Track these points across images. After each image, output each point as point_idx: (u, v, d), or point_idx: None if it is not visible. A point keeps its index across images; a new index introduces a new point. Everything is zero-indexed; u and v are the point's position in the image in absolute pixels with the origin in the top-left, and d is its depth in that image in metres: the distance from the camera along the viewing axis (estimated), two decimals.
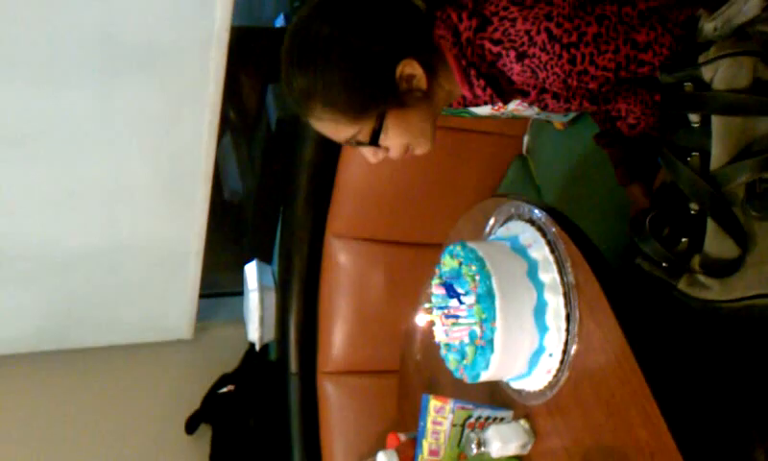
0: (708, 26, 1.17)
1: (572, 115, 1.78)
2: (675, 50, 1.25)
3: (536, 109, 1.66)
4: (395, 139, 1.40)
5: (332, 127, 1.39)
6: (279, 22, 3.21)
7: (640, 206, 1.55)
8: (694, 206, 1.23)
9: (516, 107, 1.63)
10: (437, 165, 2.25)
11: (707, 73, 1.18)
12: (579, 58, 1.24)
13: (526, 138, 2.23)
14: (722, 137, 1.18)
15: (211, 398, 2.57)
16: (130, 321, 2.65)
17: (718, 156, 1.18)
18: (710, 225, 1.22)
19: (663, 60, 1.25)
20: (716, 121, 1.18)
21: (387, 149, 1.42)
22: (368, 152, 1.44)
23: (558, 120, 1.83)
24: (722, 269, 1.22)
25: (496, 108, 1.61)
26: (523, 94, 1.40)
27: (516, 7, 1.29)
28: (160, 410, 2.63)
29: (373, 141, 1.39)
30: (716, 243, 1.22)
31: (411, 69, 1.34)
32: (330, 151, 2.24)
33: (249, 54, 2.88)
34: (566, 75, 1.26)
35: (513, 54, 1.29)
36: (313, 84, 1.33)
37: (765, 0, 1.16)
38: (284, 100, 1.41)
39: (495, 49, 1.31)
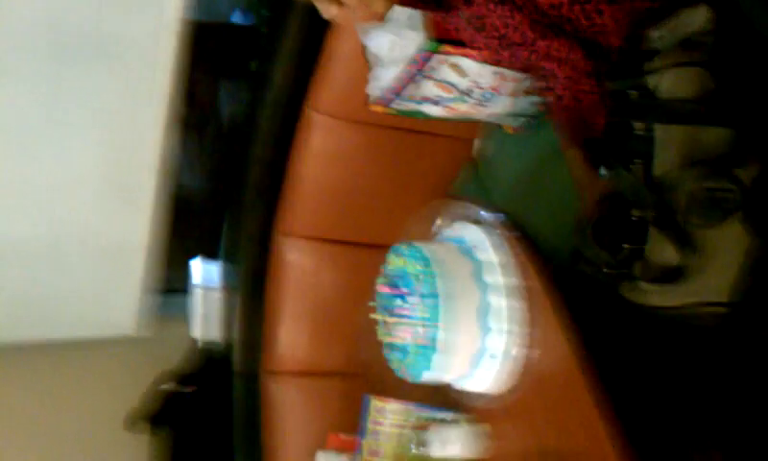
0: (654, 35, 1.18)
1: (523, 120, 1.79)
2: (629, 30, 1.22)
3: (486, 111, 1.66)
4: None
5: None
6: (236, 18, 3.18)
7: (590, 193, 1.50)
8: (636, 213, 1.25)
9: (468, 109, 1.63)
10: (388, 167, 2.25)
11: (651, 82, 1.19)
12: None
13: (477, 142, 2.24)
14: (665, 146, 1.19)
15: (165, 397, 2.54)
16: (75, 316, 2.61)
17: (661, 164, 1.20)
18: (653, 232, 1.23)
19: (617, 27, 1.22)
20: (660, 130, 1.19)
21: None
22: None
23: (508, 124, 1.84)
24: (663, 277, 1.23)
25: (447, 109, 1.61)
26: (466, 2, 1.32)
27: None
28: (105, 407, 2.58)
29: None
30: (658, 250, 1.23)
31: None
32: (282, 149, 2.22)
33: (204, 49, 2.86)
34: None
35: None
36: None
37: (710, 12, 1.18)
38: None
39: None
